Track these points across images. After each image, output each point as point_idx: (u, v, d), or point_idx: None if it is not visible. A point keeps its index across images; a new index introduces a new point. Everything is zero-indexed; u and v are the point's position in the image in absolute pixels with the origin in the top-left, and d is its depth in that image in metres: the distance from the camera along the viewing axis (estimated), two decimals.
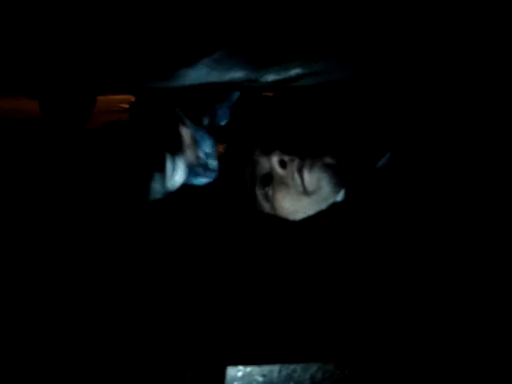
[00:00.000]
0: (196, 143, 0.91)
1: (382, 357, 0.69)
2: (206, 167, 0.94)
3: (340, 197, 0.85)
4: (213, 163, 0.94)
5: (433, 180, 0.81)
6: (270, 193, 0.96)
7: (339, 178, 0.92)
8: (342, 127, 0.97)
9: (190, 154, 0.91)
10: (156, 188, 0.82)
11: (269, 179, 0.97)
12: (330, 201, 0.89)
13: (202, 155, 0.93)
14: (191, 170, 0.92)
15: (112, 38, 0.61)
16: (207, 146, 0.94)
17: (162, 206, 0.87)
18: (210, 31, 0.61)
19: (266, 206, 0.98)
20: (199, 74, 0.69)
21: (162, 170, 0.82)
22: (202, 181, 0.95)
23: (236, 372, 0.67)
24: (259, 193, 0.98)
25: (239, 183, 1.00)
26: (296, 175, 0.93)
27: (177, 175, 0.86)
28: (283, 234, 0.80)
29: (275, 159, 0.95)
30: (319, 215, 0.81)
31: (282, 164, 0.95)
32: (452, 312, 0.72)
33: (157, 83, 0.72)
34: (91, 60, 0.68)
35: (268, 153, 0.96)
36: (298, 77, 0.82)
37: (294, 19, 0.64)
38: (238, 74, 0.73)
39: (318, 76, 0.82)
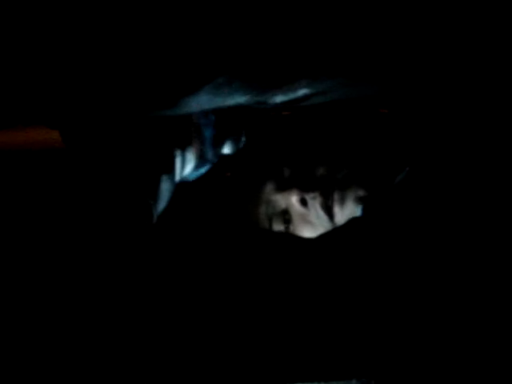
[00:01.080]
0: (199, 135, 0.91)
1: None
2: (203, 158, 0.93)
3: (359, 211, 0.84)
4: (209, 153, 0.93)
5: (449, 195, 0.80)
6: (291, 229, 0.94)
7: (359, 196, 0.91)
8: (359, 152, 0.95)
9: (196, 146, 0.91)
10: (167, 185, 0.83)
11: (287, 216, 0.95)
12: (348, 216, 0.88)
13: (202, 146, 0.93)
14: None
15: (121, 71, 0.63)
16: (207, 137, 0.93)
17: (173, 237, 0.89)
18: (211, 58, 0.62)
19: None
20: (202, 101, 0.71)
21: (172, 167, 0.84)
22: (198, 173, 0.94)
23: None
24: (277, 228, 0.96)
25: (249, 221, 0.98)
26: (321, 212, 0.92)
27: (186, 169, 0.88)
28: (303, 250, 0.80)
29: (295, 198, 0.92)
30: (335, 230, 0.80)
31: (303, 202, 0.92)
32: (471, 329, 0.71)
33: (161, 112, 0.74)
34: (105, 90, 0.70)
35: (283, 190, 0.94)
36: (305, 97, 0.83)
37: (295, 42, 0.65)
38: (242, 99, 0.75)
39: (326, 95, 0.83)
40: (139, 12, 0.54)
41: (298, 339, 0.69)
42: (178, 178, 0.89)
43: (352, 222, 0.80)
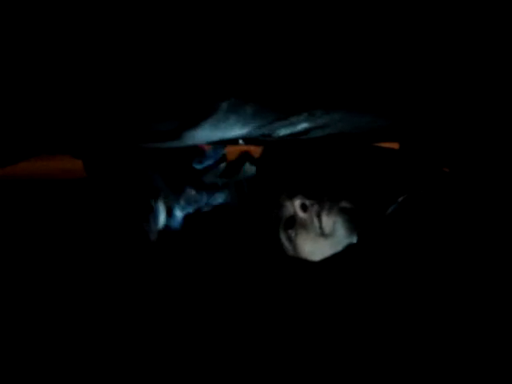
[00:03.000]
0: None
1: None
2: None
3: (355, 239, 0.89)
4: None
5: (442, 228, 0.83)
6: (293, 235, 1.03)
7: (353, 223, 0.96)
8: (354, 176, 1.01)
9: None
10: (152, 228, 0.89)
11: (292, 222, 1.03)
12: (345, 243, 0.94)
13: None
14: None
15: (134, 109, 0.69)
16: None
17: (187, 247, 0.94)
18: (211, 95, 0.67)
19: (289, 248, 1.04)
20: (204, 134, 0.76)
21: (152, 213, 0.90)
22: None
23: None
24: (283, 235, 1.05)
25: (265, 225, 1.07)
26: (315, 219, 0.99)
27: (161, 216, 0.94)
28: (302, 273, 0.85)
29: (297, 203, 1.01)
30: (335, 256, 0.85)
31: (304, 208, 1.01)
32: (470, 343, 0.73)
33: (167, 144, 0.80)
34: (118, 124, 0.76)
35: (292, 197, 1.02)
36: (305, 131, 0.87)
37: (292, 80, 0.70)
38: (242, 132, 0.80)
39: (323, 129, 0.87)
40: (147, 42, 0.58)
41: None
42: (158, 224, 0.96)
43: (348, 248, 0.84)
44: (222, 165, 0.96)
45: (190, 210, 0.99)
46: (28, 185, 1.15)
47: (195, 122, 0.71)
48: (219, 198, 1.04)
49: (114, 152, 0.97)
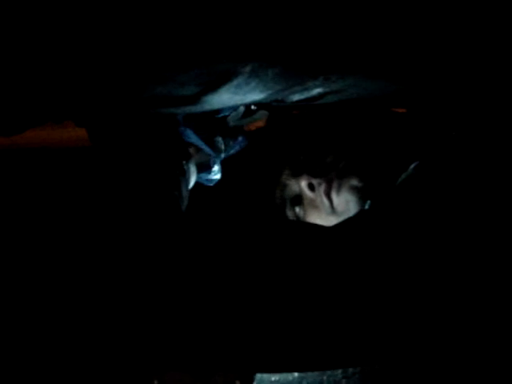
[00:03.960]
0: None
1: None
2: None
3: (367, 205, 0.88)
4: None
5: (454, 195, 0.83)
6: (301, 213, 1.00)
7: (366, 197, 0.95)
8: (365, 146, 1.00)
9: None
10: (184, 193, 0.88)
11: (299, 200, 1.01)
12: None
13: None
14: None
15: (145, 70, 0.67)
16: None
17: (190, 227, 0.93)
18: (231, 58, 0.66)
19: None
20: (222, 99, 0.75)
21: (183, 176, 0.88)
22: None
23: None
24: (290, 213, 1.02)
25: (268, 204, 1.04)
26: (324, 198, 0.97)
27: (192, 177, 0.93)
28: (309, 241, 0.84)
29: (304, 183, 0.98)
30: (345, 222, 0.83)
31: (311, 187, 0.98)
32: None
33: (184, 109, 0.79)
34: (129, 88, 0.74)
35: (296, 176, 1.00)
36: (320, 96, 0.87)
37: (308, 42, 0.69)
38: (259, 97, 0.79)
39: (339, 93, 0.87)
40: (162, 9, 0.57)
41: (286, 328, 0.71)
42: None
43: (359, 215, 0.83)
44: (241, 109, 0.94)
45: (222, 158, 0.97)
46: (36, 153, 1.14)
47: (216, 87, 0.70)
48: (241, 142, 1.02)
49: (124, 118, 0.95)
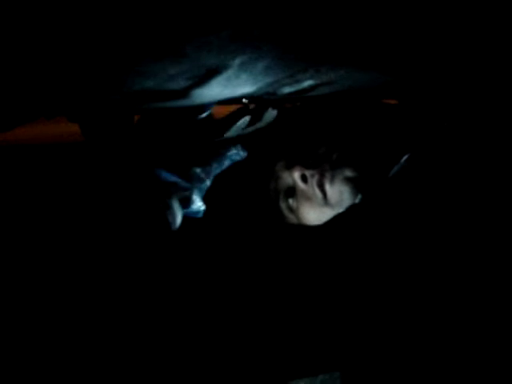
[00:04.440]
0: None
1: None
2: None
3: (358, 199, 0.88)
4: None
5: (444, 187, 0.83)
6: (295, 205, 1.01)
7: (359, 188, 0.95)
8: (358, 138, 1.00)
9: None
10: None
11: (292, 192, 1.01)
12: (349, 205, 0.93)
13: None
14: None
15: (135, 67, 0.67)
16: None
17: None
18: (221, 51, 0.66)
19: (291, 218, 1.02)
20: (213, 93, 0.75)
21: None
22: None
23: None
24: (283, 205, 1.02)
25: (263, 196, 1.04)
26: (317, 190, 0.97)
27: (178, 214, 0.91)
28: (303, 237, 0.84)
29: (297, 174, 0.99)
30: (336, 218, 0.84)
31: (304, 178, 0.99)
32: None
33: (175, 102, 0.78)
34: (120, 84, 0.74)
35: (290, 167, 1.00)
36: (311, 88, 0.87)
37: (299, 35, 0.69)
38: (251, 89, 0.79)
39: (330, 85, 0.87)
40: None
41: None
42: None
43: (351, 210, 0.84)
44: (246, 118, 0.93)
45: (205, 188, 0.96)
46: (28, 150, 1.13)
47: (205, 80, 0.70)
48: (231, 158, 1.02)
49: (114, 116, 0.95)
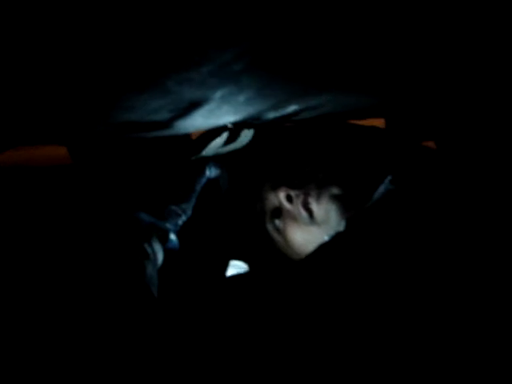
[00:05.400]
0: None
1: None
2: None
3: (342, 227, 0.87)
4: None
5: (432, 207, 0.83)
6: (281, 226, 1.01)
7: (346, 207, 0.95)
8: (343, 158, 1.00)
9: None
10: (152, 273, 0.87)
11: (278, 213, 1.01)
12: (336, 229, 0.91)
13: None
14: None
15: (123, 97, 0.67)
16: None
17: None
18: (201, 85, 0.66)
19: (278, 239, 1.03)
20: (196, 123, 0.75)
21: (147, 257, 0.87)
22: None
23: None
24: (270, 226, 1.03)
25: (249, 219, 1.05)
26: (301, 209, 0.97)
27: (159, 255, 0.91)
28: (291, 266, 0.84)
29: (282, 195, 0.99)
30: (322, 247, 0.83)
31: (289, 199, 0.99)
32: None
33: (159, 132, 0.79)
34: (106, 111, 0.74)
35: (275, 188, 1.01)
36: (295, 113, 0.87)
37: (281, 68, 0.69)
38: (234, 118, 0.79)
39: (315, 110, 0.87)
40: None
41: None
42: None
43: (336, 237, 0.83)
44: (224, 134, 0.93)
45: (181, 223, 0.97)
46: (15, 172, 1.13)
47: (188, 112, 0.70)
48: (212, 173, 1.02)
49: (102, 139, 0.95)
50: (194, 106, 0.69)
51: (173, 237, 0.94)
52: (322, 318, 0.72)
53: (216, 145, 0.95)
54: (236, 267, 1.04)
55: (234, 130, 0.93)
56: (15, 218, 1.06)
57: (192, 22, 0.53)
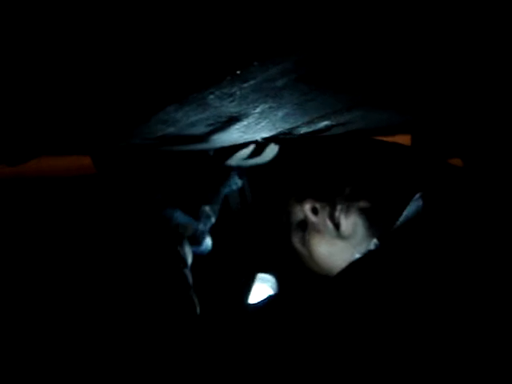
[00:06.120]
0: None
1: None
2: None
3: (373, 245, 0.86)
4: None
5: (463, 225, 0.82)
6: (306, 238, 1.01)
7: (374, 222, 0.95)
8: (370, 173, 1.00)
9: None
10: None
11: (304, 225, 1.01)
12: (365, 245, 0.91)
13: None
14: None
15: (155, 105, 0.67)
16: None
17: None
18: (242, 101, 0.66)
19: (303, 252, 1.02)
20: (232, 138, 0.76)
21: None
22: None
23: None
24: (295, 239, 1.03)
25: (275, 232, 1.05)
26: (327, 221, 0.97)
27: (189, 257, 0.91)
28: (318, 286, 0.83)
29: (307, 207, 0.99)
30: (353, 265, 0.82)
31: (315, 211, 0.99)
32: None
33: (195, 146, 0.79)
34: (135, 121, 0.74)
35: (301, 201, 1.01)
36: (327, 128, 0.87)
37: (319, 85, 0.69)
38: (268, 134, 0.79)
39: (345, 126, 0.87)
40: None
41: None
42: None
43: (369, 255, 0.82)
44: (251, 147, 0.93)
45: (210, 226, 0.96)
46: (40, 183, 1.14)
47: (226, 127, 0.70)
48: (229, 186, 1.02)
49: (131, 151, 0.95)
50: (232, 120, 0.69)
51: (208, 240, 0.93)
52: (356, 339, 0.71)
53: (241, 156, 0.95)
54: (263, 280, 1.04)
55: (262, 143, 0.93)
56: (38, 229, 1.06)
57: (240, 36, 0.53)
